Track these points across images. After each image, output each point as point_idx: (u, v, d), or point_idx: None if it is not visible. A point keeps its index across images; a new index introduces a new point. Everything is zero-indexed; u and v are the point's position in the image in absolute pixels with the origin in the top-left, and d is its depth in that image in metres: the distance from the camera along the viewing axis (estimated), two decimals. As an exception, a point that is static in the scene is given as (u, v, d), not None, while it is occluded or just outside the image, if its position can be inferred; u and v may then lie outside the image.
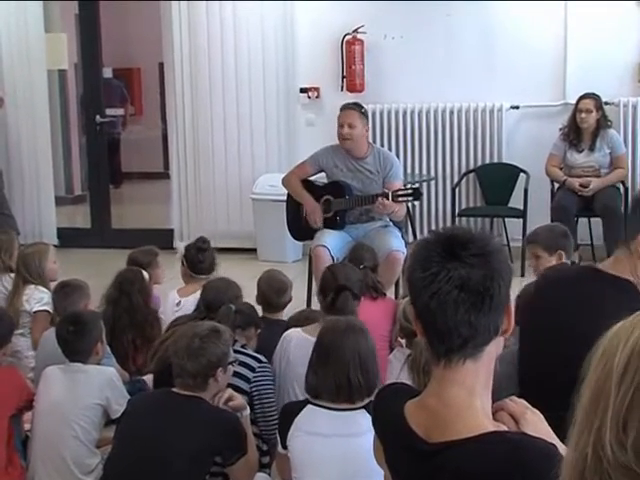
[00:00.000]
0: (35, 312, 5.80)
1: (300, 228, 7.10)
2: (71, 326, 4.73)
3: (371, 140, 7.39)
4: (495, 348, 2.07)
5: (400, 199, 6.58)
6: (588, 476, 1.29)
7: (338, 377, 3.79)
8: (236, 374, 4.29)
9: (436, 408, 2.04)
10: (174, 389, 3.95)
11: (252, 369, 4.46)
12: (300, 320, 5.14)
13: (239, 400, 4.10)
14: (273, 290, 5.39)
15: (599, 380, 1.29)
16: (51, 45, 10.57)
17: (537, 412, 2.17)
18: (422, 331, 2.11)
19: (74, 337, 4.69)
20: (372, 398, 3.76)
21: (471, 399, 2.02)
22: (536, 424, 2.07)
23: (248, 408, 4.16)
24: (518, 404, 2.14)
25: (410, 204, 7.32)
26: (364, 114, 6.89)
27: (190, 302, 5.32)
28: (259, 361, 4.53)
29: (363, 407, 3.77)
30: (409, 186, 6.78)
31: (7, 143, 10.25)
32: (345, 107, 6.97)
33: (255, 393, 4.38)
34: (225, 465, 3.98)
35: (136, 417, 4.01)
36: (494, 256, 2.02)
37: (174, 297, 5.85)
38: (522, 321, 3.27)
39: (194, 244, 6.16)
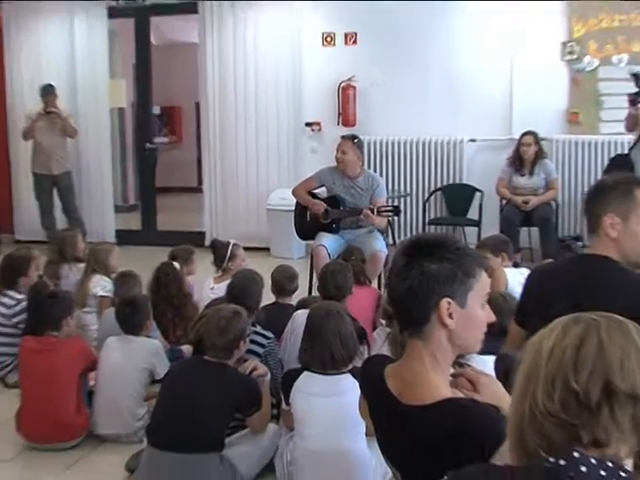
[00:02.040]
0: (101, 296, 5.82)
1: (304, 230, 7.06)
2: (127, 307, 4.77)
3: (360, 164, 7.38)
4: (439, 333, 2.00)
5: (383, 214, 6.57)
6: (525, 427, 1.37)
7: (323, 354, 3.81)
8: (249, 350, 4.29)
9: (406, 376, 2.04)
10: (205, 357, 3.96)
11: (262, 345, 4.46)
12: (306, 303, 5.17)
13: (262, 369, 4.11)
14: (285, 277, 5.39)
15: (531, 362, 1.39)
16: (113, 88, 10.58)
17: (491, 376, 2.18)
18: None
19: (130, 316, 4.73)
20: (355, 364, 3.81)
21: (429, 372, 2.00)
22: (489, 386, 2.07)
23: (269, 374, 4.17)
24: (475, 371, 2.15)
25: (392, 217, 7.29)
26: (356, 144, 6.76)
27: (221, 287, 5.31)
28: (267, 338, 4.54)
29: (348, 371, 3.80)
30: (391, 203, 6.77)
31: (79, 164, 10.25)
32: (343, 137, 6.93)
33: (265, 363, 4.38)
34: (244, 417, 3.99)
35: (176, 378, 4.03)
36: (429, 262, 1.98)
37: (209, 283, 5.88)
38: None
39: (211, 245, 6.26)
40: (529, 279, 3.24)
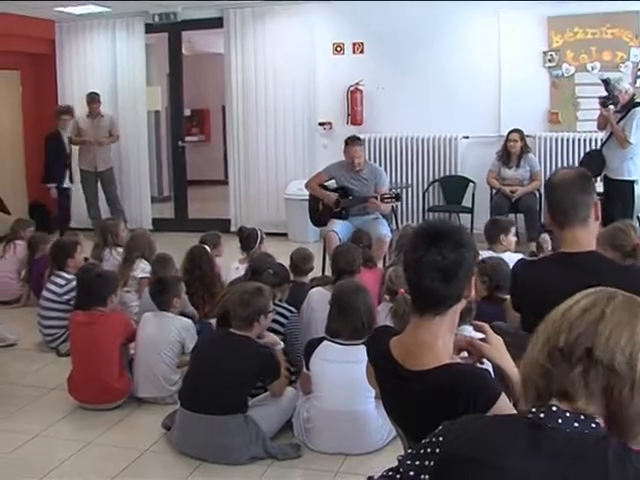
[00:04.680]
0: (141, 278, 5.81)
1: (318, 218, 7.06)
2: (158, 287, 4.77)
3: (367, 158, 7.35)
4: (459, 307, 2.02)
5: (386, 201, 6.59)
6: (528, 379, 1.38)
7: (356, 323, 3.82)
8: (275, 320, 4.29)
9: (410, 345, 2.01)
10: (231, 329, 3.95)
11: (286, 317, 4.47)
12: (320, 281, 5.17)
13: (272, 337, 4.11)
14: (300, 258, 5.38)
15: (545, 324, 1.38)
16: (150, 94, 10.61)
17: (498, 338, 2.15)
18: (410, 292, 2.08)
19: (158, 294, 4.73)
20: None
21: (434, 341, 1.98)
22: (494, 334, 2.09)
23: (282, 343, 4.16)
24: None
25: (394, 203, 7.26)
26: (362, 144, 6.83)
27: (244, 267, 5.31)
28: (291, 312, 4.54)
29: (362, 343, 3.78)
30: (393, 191, 6.77)
31: (120, 162, 10.26)
32: (352, 143, 6.76)
33: (288, 333, 4.39)
34: (264, 385, 3.99)
35: (204, 348, 4.04)
36: (463, 248, 1.96)
37: (235, 264, 5.87)
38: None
39: (239, 232, 6.16)
40: (515, 276, 3.00)
